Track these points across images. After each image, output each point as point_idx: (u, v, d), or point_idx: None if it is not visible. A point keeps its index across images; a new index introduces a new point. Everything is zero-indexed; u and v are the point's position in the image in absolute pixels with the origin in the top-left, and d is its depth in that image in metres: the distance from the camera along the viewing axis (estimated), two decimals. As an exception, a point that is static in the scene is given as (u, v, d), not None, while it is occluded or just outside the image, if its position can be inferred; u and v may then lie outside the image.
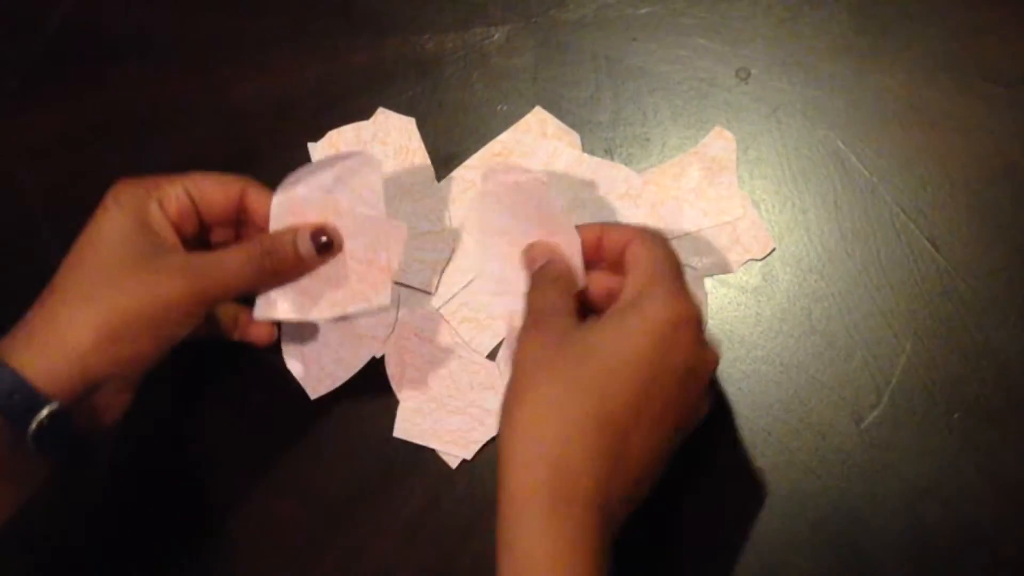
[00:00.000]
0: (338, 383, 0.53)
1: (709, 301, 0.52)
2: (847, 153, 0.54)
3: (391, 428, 0.52)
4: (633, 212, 0.54)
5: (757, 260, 0.52)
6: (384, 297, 0.48)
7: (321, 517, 0.52)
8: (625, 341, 0.40)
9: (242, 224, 0.50)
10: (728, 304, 0.52)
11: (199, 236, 0.49)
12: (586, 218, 0.54)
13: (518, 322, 0.45)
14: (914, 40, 0.55)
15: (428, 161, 0.57)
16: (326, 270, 0.48)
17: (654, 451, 0.41)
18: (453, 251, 0.55)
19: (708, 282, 0.53)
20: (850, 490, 0.47)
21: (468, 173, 0.57)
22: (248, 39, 0.63)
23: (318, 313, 0.48)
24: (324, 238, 0.47)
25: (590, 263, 0.47)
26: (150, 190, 0.47)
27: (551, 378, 0.40)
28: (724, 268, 0.53)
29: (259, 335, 0.52)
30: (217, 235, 0.51)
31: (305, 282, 0.48)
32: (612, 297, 0.44)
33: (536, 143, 0.57)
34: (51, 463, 0.44)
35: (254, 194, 0.49)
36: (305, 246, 0.47)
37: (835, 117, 0.54)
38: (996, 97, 0.53)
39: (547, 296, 0.45)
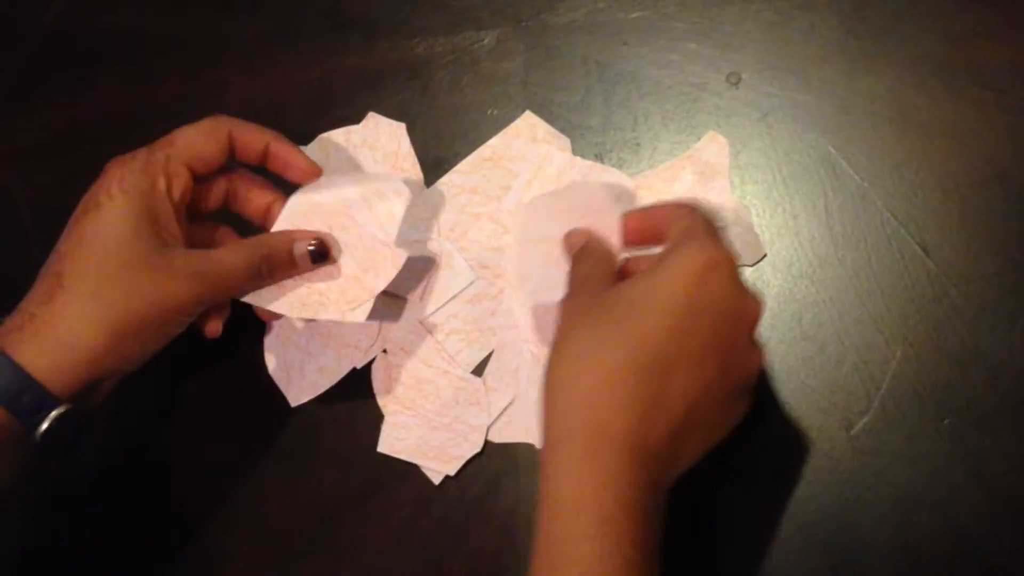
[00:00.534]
0: (320, 391, 0.53)
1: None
2: (838, 158, 0.53)
3: (379, 434, 0.52)
4: (624, 217, 0.54)
5: (747, 267, 0.52)
6: (359, 315, 0.49)
7: (311, 521, 0.51)
8: (657, 287, 0.41)
9: (234, 170, 0.51)
10: (718, 309, 0.52)
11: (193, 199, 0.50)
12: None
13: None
14: (905, 45, 0.55)
15: (418, 167, 0.57)
16: (314, 274, 0.50)
17: (697, 396, 0.40)
18: (440, 261, 0.55)
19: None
20: (840, 496, 0.47)
21: (458, 178, 0.56)
22: (238, 43, 0.63)
23: (289, 310, 0.49)
24: (317, 248, 0.49)
25: (640, 247, 0.48)
26: (154, 175, 0.47)
27: (586, 330, 0.41)
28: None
29: (212, 329, 0.51)
30: (203, 194, 0.51)
31: (290, 280, 0.50)
32: None
33: (526, 147, 0.56)
34: (49, 459, 0.44)
35: (276, 144, 0.50)
36: (301, 254, 0.49)
37: (826, 122, 0.54)
38: (987, 102, 0.53)
39: (586, 266, 0.46)
